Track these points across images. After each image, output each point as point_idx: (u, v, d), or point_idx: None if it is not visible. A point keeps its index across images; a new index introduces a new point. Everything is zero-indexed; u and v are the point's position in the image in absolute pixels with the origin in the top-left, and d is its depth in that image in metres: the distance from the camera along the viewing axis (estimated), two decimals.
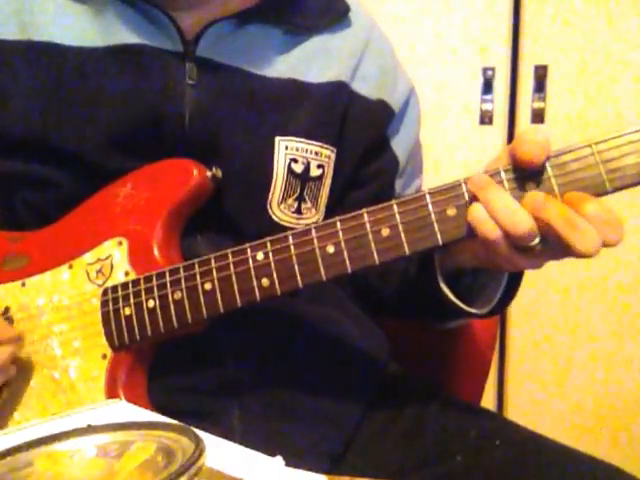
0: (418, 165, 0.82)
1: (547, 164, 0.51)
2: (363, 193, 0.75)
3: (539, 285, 1.60)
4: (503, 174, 0.52)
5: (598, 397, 1.64)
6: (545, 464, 0.62)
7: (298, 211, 0.69)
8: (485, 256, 0.55)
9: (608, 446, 1.64)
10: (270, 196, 0.67)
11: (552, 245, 0.50)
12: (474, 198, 0.52)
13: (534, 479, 0.61)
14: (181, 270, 0.59)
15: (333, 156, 0.70)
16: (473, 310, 0.61)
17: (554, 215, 0.48)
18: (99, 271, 0.63)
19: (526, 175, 0.51)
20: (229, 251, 0.58)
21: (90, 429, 0.38)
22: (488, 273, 0.61)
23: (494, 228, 0.50)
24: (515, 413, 1.68)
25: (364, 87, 0.73)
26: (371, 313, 0.79)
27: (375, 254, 0.54)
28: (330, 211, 0.72)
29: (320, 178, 0.70)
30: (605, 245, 0.49)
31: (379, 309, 0.80)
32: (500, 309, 0.61)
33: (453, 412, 0.71)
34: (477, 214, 0.51)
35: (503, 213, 0.50)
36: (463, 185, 0.53)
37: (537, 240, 0.50)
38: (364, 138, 0.73)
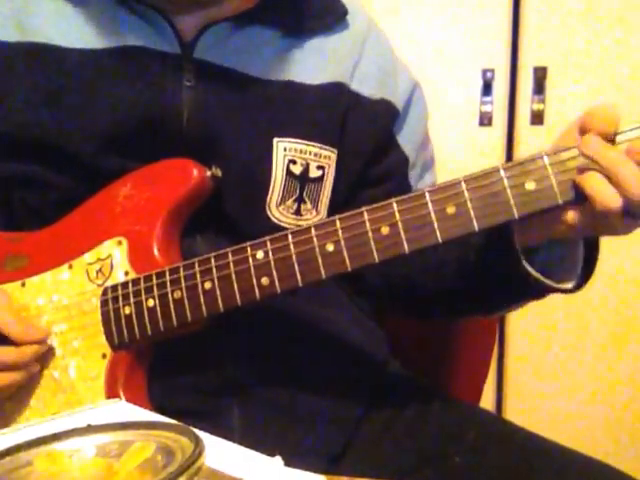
0: (429, 158, 0.81)
1: (546, 161, 0.51)
2: (378, 191, 0.73)
3: None
4: (502, 172, 0.52)
5: (597, 398, 1.64)
6: (544, 465, 0.62)
7: (297, 212, 0.69)
8: (587, 225, 0.53)
9: (607, 447, 1.64)
10: (269, 197, 0.67)
11: None
12: (584, 167, 0.50)
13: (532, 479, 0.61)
14: (181, 269, 0.59)
15: (334, 157, 0.70)
16: (561, 285, 0.59)
17: None
18: (99, 271, 0.63)
19: (525, 173, 0.51)
20: (229, 250, 0.58)
21: (90, 429, 0.38)
22: (563, 245, 0.59)
23: (617, 197, 0.49)
24: (514, 414, 1.68)
25: (364, 87, 0.73)
26: (378, 313, 0.77)
27: (375, 252, 0.54)
28: (336, 211, 0.71)
29: (320, 179, 0.70)
30: None
31: (422, 306, 0.77)
32: (585, 281, 0.60)
33: (452, 412, 0.71)
34: (598, 182, 0.49)
35: (632, 182, 0.49)
36: (462, 183, 0.53)
37: None
38: (369, 138, 0.73)
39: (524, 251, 0.58)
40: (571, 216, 0.53)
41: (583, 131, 0.51)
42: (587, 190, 0.50)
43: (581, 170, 0.50)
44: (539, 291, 0.60)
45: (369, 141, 0.73)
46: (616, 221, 0.51)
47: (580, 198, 0.51)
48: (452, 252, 0.66)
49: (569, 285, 0.59)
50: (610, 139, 0.50)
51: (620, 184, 0.49)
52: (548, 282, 0.58)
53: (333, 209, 0.71)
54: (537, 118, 1.57)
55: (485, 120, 1.58)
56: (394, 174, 0.76)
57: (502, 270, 0.60)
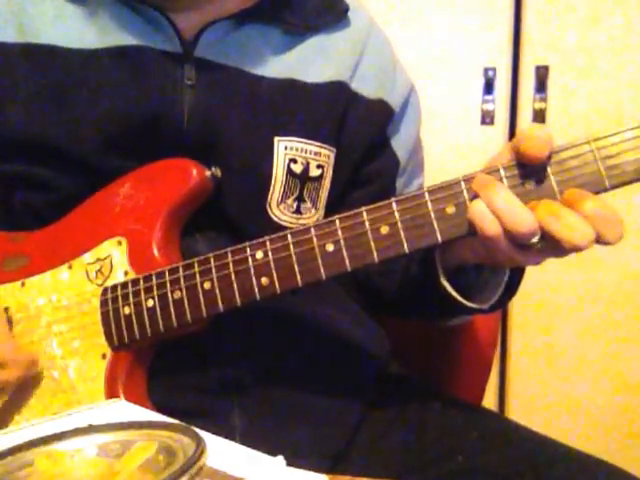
0: (419, 164, 0.82)
1: (546, 161, 0.51)
2: (364, 193, 0.75)
3: (540, 284, 1.60)
4: (502, 171, 0.52)
5: (600, 397, 1.63)
6: (546, 464, 0.62)
7: (297, 211, 0.69)
8: (485, 253, 0.55)
9: (610, 446, 1.63)
10: (269, 196, 0.67)
11: (551, 243, 0.50)
12: (475, 196, 0.52)
13: (535, 479, 0.60)
14: (180, 269, 0.59)
15: (332, 156, 0.70)
16: (474, 305, 0.61)
17: (540, 209, 0.49)
18: (98, 271, 0.63)
19: (525, 173, 0.51)
20: (228, 250, 0.58)
21: (91, 429, 0.38)
22: (490, 270, 0.61)
23: (494, 225, 0.50)
24: (516, 413, 1.67)
25: (363, 86, 0.73)
26: (373, 312, 0.79)
27: (374, 252, 0.54)
28: (330, 211, 0.72)
29: (320, 178, 0.70)
30: (605, 243, 0.49)
31: (381, 308, 0.80)
32: (501, 305, 0.61)
33: (454, 412, 0.71)
34: (478, 210, 0.51)
35: (505, 210, 0.50)
36: (462, 183, 0.52)
37: (537, 238, 0.50)
38: (364, 138, 0.73)
39: (456, 268, 0.61)
40: (474, 244, 0.55)
41: (514, 152, 0.52)
42: (469, 216, 0.51)
43: (471, 199, 0.52)
44: (458, 309, 0.62)
45: (364, 140, 0.73)
46: (504, 251, 0.52)
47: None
48: (401, 261, 0.69)
49: (485, 305, 0.61)
50: (546, 160, 0.50)
51: (495, 212, 0.50)
52: (462, 301, 0.60)
53: (328, 209, 0.72)
54: (539, 117, 1.56)
55: (487, 119, 1.58)
56: (382, 176, 0.76)
57: (425, 285, 0.63)
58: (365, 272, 0.77)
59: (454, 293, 0.60)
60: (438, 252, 0.60)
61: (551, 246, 0.51)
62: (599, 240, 0.49)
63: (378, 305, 0.80)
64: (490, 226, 0.50)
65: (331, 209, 0.72)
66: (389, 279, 0.74)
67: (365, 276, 0.78)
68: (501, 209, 0.50)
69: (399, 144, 0.77)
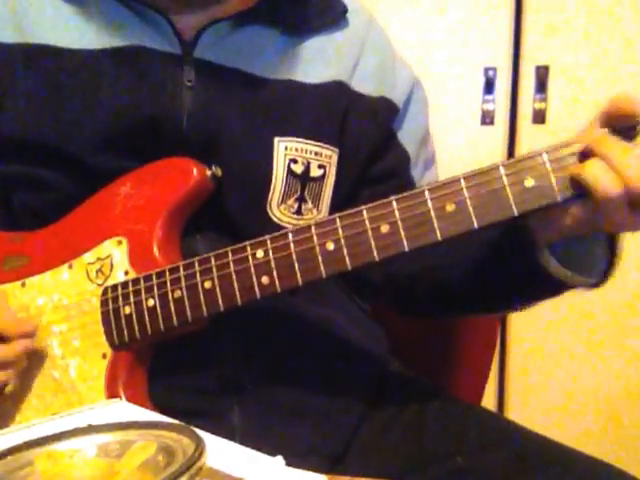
0: (430, 155, 0.81)
1: (545, 158, 0.51)
2: (382, 188, 0.72)
3: None
4: (502, 169, 0.52)
5: (599, 397, 1.63)
6: (545, 464, 0.62)
7: (298, 212, 0.69)
8: (592, 219, 0.52)
9: (609, 446, 1.63)
10: (270, 197, 0.67)
11: None
12: (584, 156, 0.49)
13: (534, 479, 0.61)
14: (181, 269, 0.59)
15: (335, 156, 0.70)
16: (582, 279, 0.58)
17: None
18: (99, 270, 0.63)
19: (525, 169, 0.51)
20: (229, 249, 0.58)
21: (91, 429, 0.38)
22: (579, 242, 0.57)
23: (616, 182, 0.48)
24: (515, 413, 1.67)
25: (364, 85, 0.73)
26: (418, 312, 0.77)
27: (375, 251, 0.54)
28: (338, 210, 0.71)
29: (322, 178, 0.70)
30: None
31: (428, 305, 0.76)
32: (607, 278, 0.59)
33: (453, 412, 0.71)
34: (596, 168, 0.48)
35: (630, 166, 0.47)
36: (462, 181, 0.52)
37: None
38: (368, 136, 0.73)
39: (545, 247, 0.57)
40: (575, 211, 0.52)
41: (604, 123, 0.50)
42: (585, 178, 0.49)
43: (580, 161, 0.50)
44: (557, 287, 0.59)
45: (369, 139, 0.72)
46: (620, 213, 0.49)
47: (581, 193, 0.50)
48: (461, 251, 0.65)
49: (591, 280, 0.58)
50: (631, 129, 0.49)
51: (620, 170, 0.48)
52: (571, 274, 0.57)
53: (336, 208, 0.71)
54: (539, 117, 1.56)
55: (487, 119, 1.58)
56: (396, 171, 0.75)
57: (520, 265, 0.59)
58: (405, 272, 0.73)
59: (563, 269, 0.57)
60: (533, 230, 0.57)
61: None
62: None
63: (404, 304, 0.76)
64: (613, 184, 0.48)
65: (340, 208, 0.71)
66: (438, 273, 0.70)
67: (405, 277, 0.73)
68: (624, 163, 0.47)
69: (407, 139, 0.76)
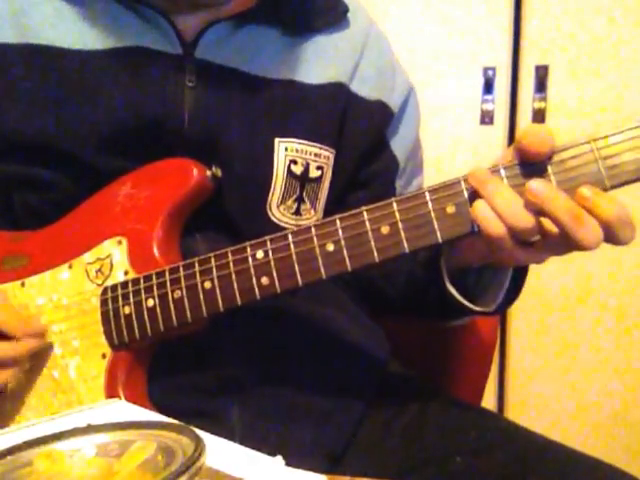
0: (418, 164, 0.82)
1: (546, 161, 0.51)
2: (364, 194, 0.75)
3: (540, 285, 1.60)
4: (503, 171, 0.52)
5: (599, 398, 1.63)
6: (545, 465, 0.62)
7: (297, 212, 0.69)
8: (488, 252, 0.55)
9: (609, 446, 1.63)
10: (270, 197, 0.67)
11: (554, 239, 0.50)
12: (475, 194, 0.52)
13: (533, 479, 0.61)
14: (181, 269, 0.59)
15: (332, 157, 0.70)
16: (479, 308, 0.61)
17: (561, 209, 0.48)
18: (99, 270, 0.63)
19: (525, 172, 0.51)
20: (229, 250, 0.58)
21: (90, 428, 0.38)
22: (492, 271, 0.61)
23: (498, 224, 0.50)
24: (515, 413, 1.67)
25: (363, 88, 0.73)
26: (375, 313, 0.79)
27: (375, 252, 0.54)
28: (329, 212, 0.72)
29: (319, 179, 0.70)
30: (618, 243, 0.49)
31: (383, 309, 0.80)
32: (505, 306, 0.61)
33: (453, 412, 0.71)
34: (481, 211, 0.51)
35: (507, 208, 0.49)
36: (462, 182, 0.53)
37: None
38: (363, 139, 0.73)
39: (459, 270, 0.61)
40: (477, 244, 0.55)
41: (516, 150, 0.51)
42: (473, 217, 0.51)
43: (470, 198, 0.52)
44: (462, 312, 0.62)
45: (363, 142, 0.73)
46: (507, 249, 0.51)
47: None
48: (404, 264, 0.69)
49: (489, 308, 0.61)
50: (547, 159, 0.50)
51: (497, 210, 0.50)
52: (467, 304, 0.60)
53: (327, 211, 0.72)
54: (539, 116, 1.56)
55: (486, 118, 1.58)
56: (382, 177, 0.76)
57: (430, 288, 0.63)
58: (368, 275, 0.77)
59: (460, 297, 0.60)
60: (443, 256, 0.61)
61: (553, 243, 0.51)
62: (611, 240, 0.49)
63: (381, 307, 0.80)
64: (494, 226, 0.50)
65: (329, 211, 0.72)
66: (393, 282, 0.75)
67: (368, 279, 0.78)
68: (503, 207, 0.50)
69: (398, 145, 0.77)
